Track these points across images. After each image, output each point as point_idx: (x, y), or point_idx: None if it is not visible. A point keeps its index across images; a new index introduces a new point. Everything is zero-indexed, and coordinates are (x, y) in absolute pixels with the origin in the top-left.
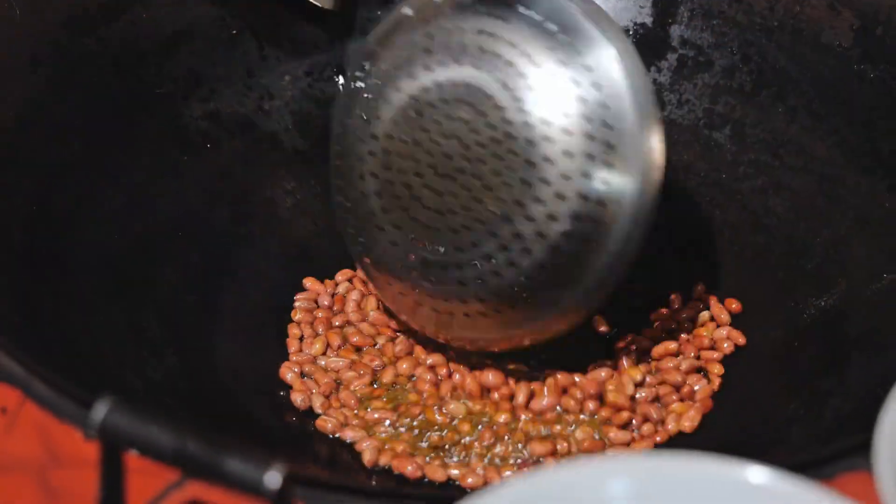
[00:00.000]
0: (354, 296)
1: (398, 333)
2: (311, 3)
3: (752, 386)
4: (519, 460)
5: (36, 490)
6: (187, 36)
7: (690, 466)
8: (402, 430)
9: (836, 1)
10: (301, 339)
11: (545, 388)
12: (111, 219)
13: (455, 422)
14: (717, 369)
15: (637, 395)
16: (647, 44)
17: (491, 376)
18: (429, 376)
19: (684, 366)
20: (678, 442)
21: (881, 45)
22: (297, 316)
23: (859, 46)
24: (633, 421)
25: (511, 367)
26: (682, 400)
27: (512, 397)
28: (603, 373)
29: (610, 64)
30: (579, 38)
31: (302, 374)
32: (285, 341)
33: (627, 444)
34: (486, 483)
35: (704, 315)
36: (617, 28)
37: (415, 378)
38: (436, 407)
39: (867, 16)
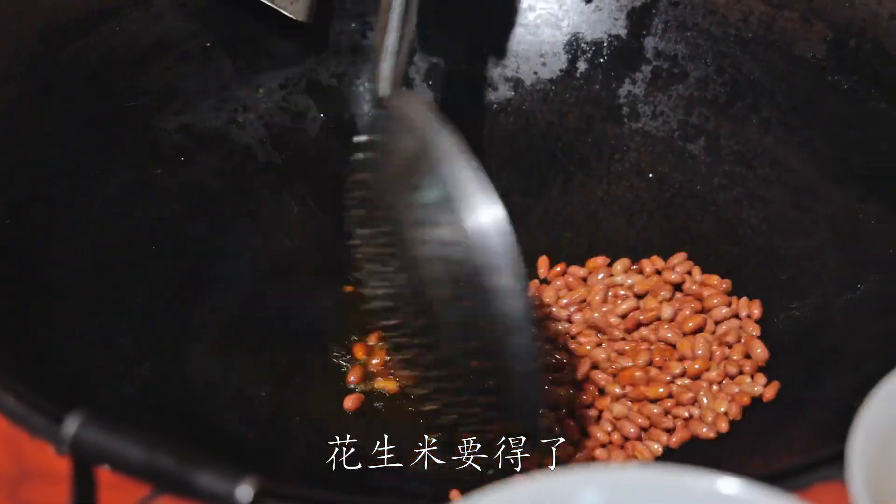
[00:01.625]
0: None
1: None
2: (285, 15)
3: None
4: None
5: None
6: (161, 49)
7: (662, 478)
8: None
9: (809, 13)
10: None
11: None
12: (85, 232)
13: None
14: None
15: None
16: (621, 56)
17: None
18: None
19: None
20: None
21: (854, 57)
22: None
23: (832, 58)
24: None
25: None
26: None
27: None
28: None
29: None
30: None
31: None
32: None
33: None
34: None
35: None
36: None
37: None
38: None
39: (840, 28)
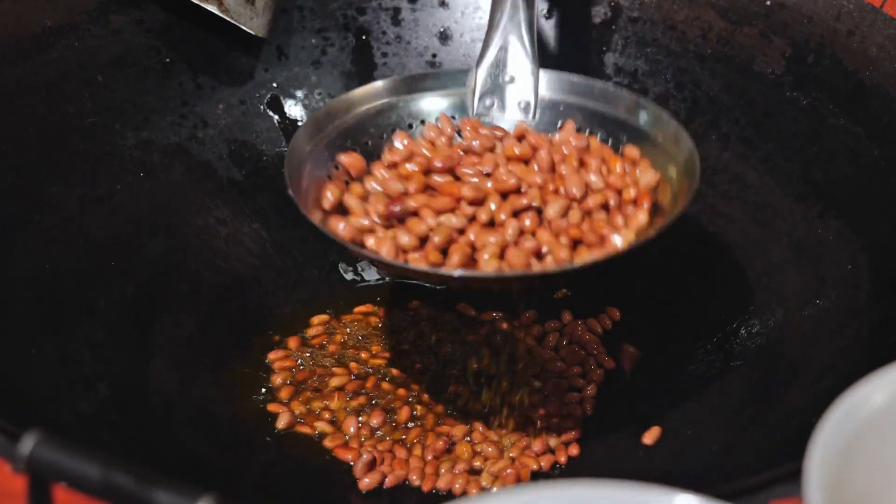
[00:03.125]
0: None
1: None
2: (245, 31)
3: (685, 413)
4: None
5: None
6: (121, 65)
7: (616, 494)
8: None
9: (768, 29)
10: None
11: None
12: (43, 248)
13: None
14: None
15: None
16: (582, 72)
17: None
18: None
19: None
20: (607, 469)
21: (813, 72)
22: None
23: (791, 74)
24: None
25: None
26: None
27: None
28: None
29: None
30: None
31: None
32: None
33: None
34: None
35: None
36: None
37: None
38: None
39: (799, 44)
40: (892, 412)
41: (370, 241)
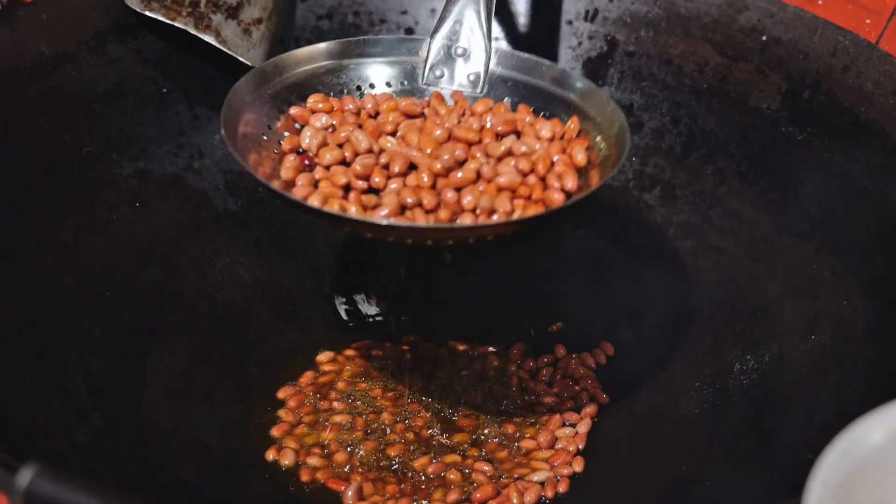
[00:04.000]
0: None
1: None
2: (242, 62)
3: (678, 448)
4: None
5: None
6: (118, 94)
7: None
8: None
9: (763, 65)
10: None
11: None
12: (38, 277)
13: None
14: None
15: None
16: None
17: None
18: None
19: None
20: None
21: (808, 108)
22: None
23: (786, 109)
24: None
25: None
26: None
27: None
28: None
29: None
30: None
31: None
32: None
33: None
34: None
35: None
36: None
37: None
38: None
39: (794, 79)
40: (890, 451)
41: (301, 191)
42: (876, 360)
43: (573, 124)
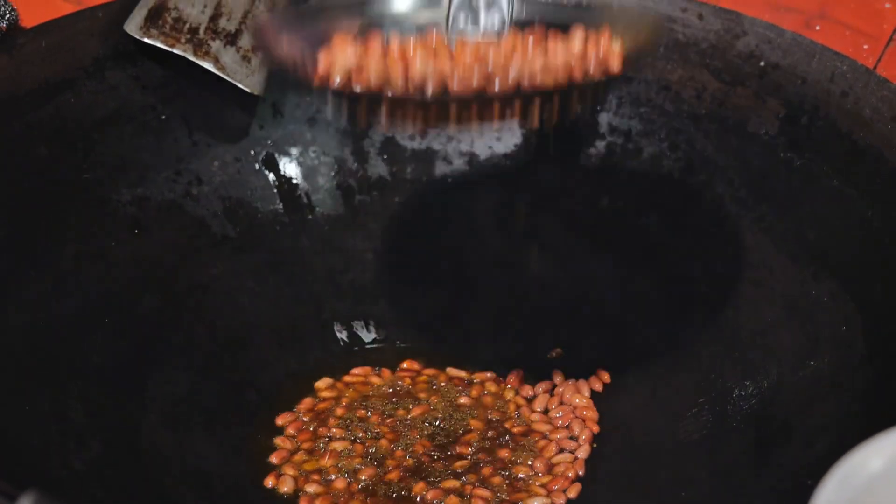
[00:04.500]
0: None
1: None
2: (241, 88)
3: (678, 474)
4: None
5: None
6: (116, 121)
7: None
8: None
9: (762, 90)
10: None
11: None
12: (37, 304)
13: None
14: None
15: None
16: (577, 130)
17: None
18: None
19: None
20: None
21: (807, 133)
22: None
23: (785, 135)
24: None
25: None
26: None
27: None
28: None
29: None
30: None
31: None
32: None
33: None
34: None
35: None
36: None
37: None
38: None
39: (793, 105)
40: (890, 477)
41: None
42: (875, 386)
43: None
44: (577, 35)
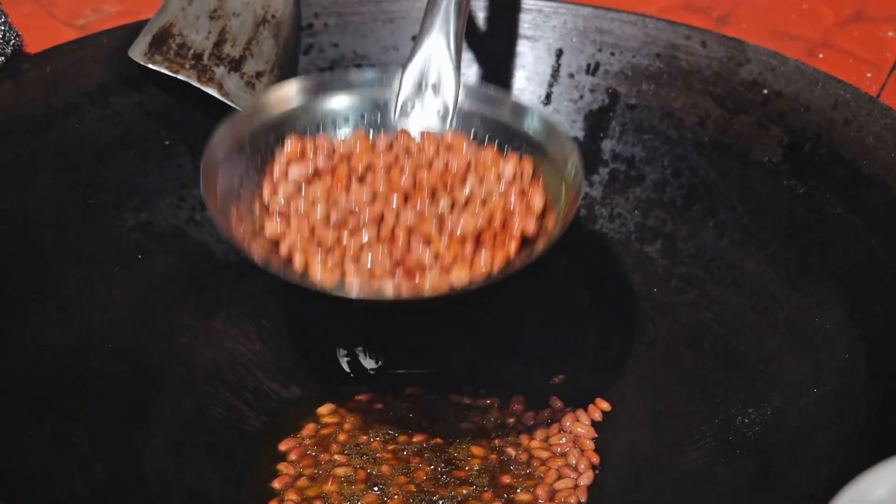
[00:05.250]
0: None
1: None
2: None
3: (682, 502)
4: None
5: None
6: (121, 147)
7: None
8: None
9: (765, 118)
10: None
11: None
12: (41, 330)
13: None
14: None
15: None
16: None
17: None
18: None
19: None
20: None
21: (810, 161)
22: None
23: (788, 162)
24: None
25: None
26: None
27: None
28: None
29: None
30: None
31: None
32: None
33: None
34: None
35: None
36: None
37: None
38: None
39: (796, 132)
40: None
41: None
42: (879, 413)
43: (528, 166)
44: (510, 163)
